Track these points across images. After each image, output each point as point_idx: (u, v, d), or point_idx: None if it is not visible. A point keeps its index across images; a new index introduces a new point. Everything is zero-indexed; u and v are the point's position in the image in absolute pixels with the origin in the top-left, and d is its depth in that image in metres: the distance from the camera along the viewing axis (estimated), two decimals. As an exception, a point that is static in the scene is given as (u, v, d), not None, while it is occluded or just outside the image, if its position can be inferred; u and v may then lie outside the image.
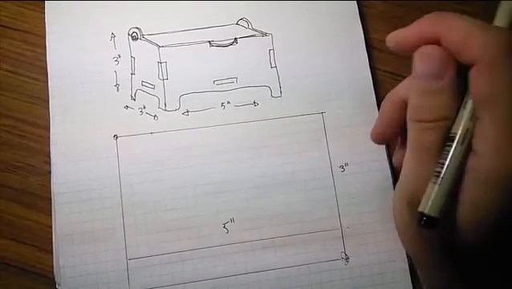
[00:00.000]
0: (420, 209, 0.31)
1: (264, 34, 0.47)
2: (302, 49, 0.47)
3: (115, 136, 0.44)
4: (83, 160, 0.44)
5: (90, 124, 0.44)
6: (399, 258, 0.43)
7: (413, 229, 0.32)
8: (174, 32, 0.47)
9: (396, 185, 0.34)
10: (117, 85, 0.46)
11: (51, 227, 0.43)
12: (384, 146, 0.45)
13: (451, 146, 0.30)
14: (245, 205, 0.43)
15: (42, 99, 0.45)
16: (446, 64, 0.31)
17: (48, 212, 0.43)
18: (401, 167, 0.33)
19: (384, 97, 0.44)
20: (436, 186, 0.30)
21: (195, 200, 0.43)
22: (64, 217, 0.42)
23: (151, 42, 0.47)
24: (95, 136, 0.44)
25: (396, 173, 0.44)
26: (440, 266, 0.33)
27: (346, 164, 0.44)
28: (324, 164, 0.44)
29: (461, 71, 0.31)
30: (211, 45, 0.47)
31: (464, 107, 0.31)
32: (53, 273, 0.41)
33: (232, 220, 0.43)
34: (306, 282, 0.42)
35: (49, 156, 0.44)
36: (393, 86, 0.46)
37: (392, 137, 0.37)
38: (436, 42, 0.32)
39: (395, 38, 0.34)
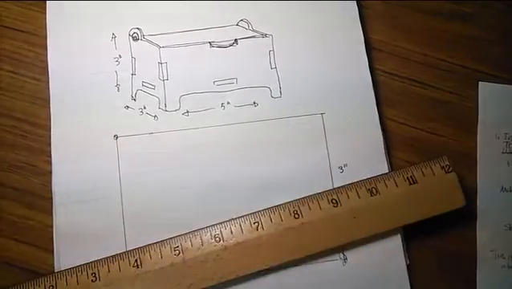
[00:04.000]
0: None
1: (264, 35, 0.47)
2: (302, 50, 0.47)
3: (116, 136, 0.44)
4: (84, 160, 0.44)
5: (90, 124, 0.45)
6: (397, 258, 0.43)
7: None
8: (175, 33, 0.47)
9: None
10: (118, 85, 0.46)
11: (52, 227, 0.43)
12: (384, 147, 0.45)
13: None
14: (244, 205, 0.43)
15: (43, 100, 0.45)
16: None
17: (49, 212, 0.43)
18: None
19: (383, 97, 0.44)
20: None
21: (195, 200, 0.43)
22: (64, 217, 0.42)
23: (151, 42, 0.47)
24: (96, 136, 0.44)
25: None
26: None
27: (345, 166, 0.44)
28: (323, 165, 0.44)
29: None
30: (211, 46, 0.47)
31: None
32: (54, 272, 0.42)
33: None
34: (305, 283, 0.42)
35: (50, 156, 0.44)
36: (392, 86, 0.47)
37: None
38: None
39: None
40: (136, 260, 0.41)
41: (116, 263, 0.41)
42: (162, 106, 0.45)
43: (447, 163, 0.43)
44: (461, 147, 0.46)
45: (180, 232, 0.42)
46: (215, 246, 0.41)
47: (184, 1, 0.48)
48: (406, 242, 0.43)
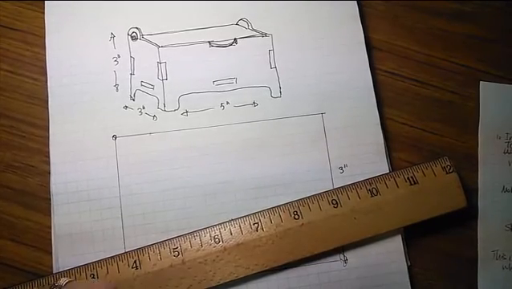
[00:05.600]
0: None
1: (264, 35, 0.47)
2: (301, 49, 0.47)
3: (114, 137, 0.44)
4: (82, 161, 0.43)
5: (89, 124, 0.44)
6: (398, 259, 0.42)
7: None
8: (174, 32, 0.47)
9: None
10: (116, 85, 0.45)
11: (51, 227, 0.43)
12: (384, 147, 0.45)
13: None
14: (244, 206, 0.43)
15: (41, 100, 0.45)
16: None
17: (47, 212, 0.43)
18: None
19: (384, 97, 0.44)
20: None
21: (194, 201, 0.43)
22: (63, 218, 0.42)
23: (150, 42, 0.46)
24: (95, 136, 0.44)
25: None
26: None
27: (345, 166, 0.44)
28: (323, 165, 0.44)
29: None
30: (211, 45, 0.47)
31: None
32: (52, 273, 0.41)
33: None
34: (305, 284, 0.42)
35: (48, 157, 0.44)
36: (393, 86, 0.47)
37: None
38: None
39: None
40: (135, 261, 0.41)
41: (115, 264, 0.40)
42: (161, 106, 0.45)
43: (448, 163, 0.43)
44: (462, 147, 0.46)
45: (180, 233, 0.42)
46: (214, 247, 0.41)
47: (184, 0, 0.48)
48: (407, 242, 0.43)
